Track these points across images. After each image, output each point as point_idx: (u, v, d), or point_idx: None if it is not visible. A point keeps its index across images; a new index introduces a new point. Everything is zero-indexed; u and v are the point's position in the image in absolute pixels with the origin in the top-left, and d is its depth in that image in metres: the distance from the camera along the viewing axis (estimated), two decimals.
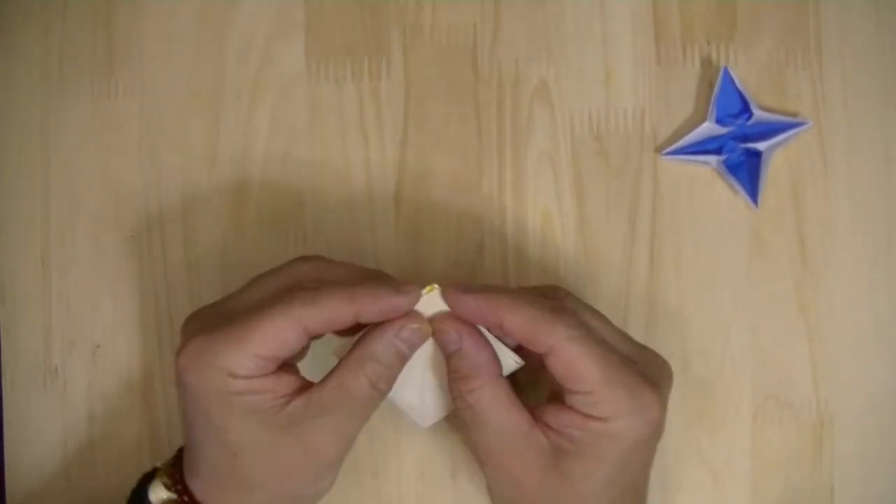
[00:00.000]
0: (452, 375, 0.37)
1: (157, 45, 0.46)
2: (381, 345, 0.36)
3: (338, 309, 0.35)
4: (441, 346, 0.37)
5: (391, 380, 0.37)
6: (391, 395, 0.38)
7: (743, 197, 0.44)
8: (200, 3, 0.46)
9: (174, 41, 0.46)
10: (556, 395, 0.37)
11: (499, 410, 0.36)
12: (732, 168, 0.44)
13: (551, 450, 0.36)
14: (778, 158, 0.45)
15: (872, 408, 0.45)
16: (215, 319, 0.36)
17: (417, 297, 0.37)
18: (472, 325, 0.37)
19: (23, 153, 0.45)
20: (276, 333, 0.35)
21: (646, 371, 0.37)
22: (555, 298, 0.38)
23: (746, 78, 0.45)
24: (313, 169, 0.45)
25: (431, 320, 0.37)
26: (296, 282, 0.37)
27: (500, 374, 0.37)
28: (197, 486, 0.38)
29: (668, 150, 0.44)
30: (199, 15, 0.46)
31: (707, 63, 0.45)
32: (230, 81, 0.45)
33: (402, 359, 0.37)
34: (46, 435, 0.45)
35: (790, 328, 0.45)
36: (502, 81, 0.45)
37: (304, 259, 0.38)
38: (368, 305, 0.35)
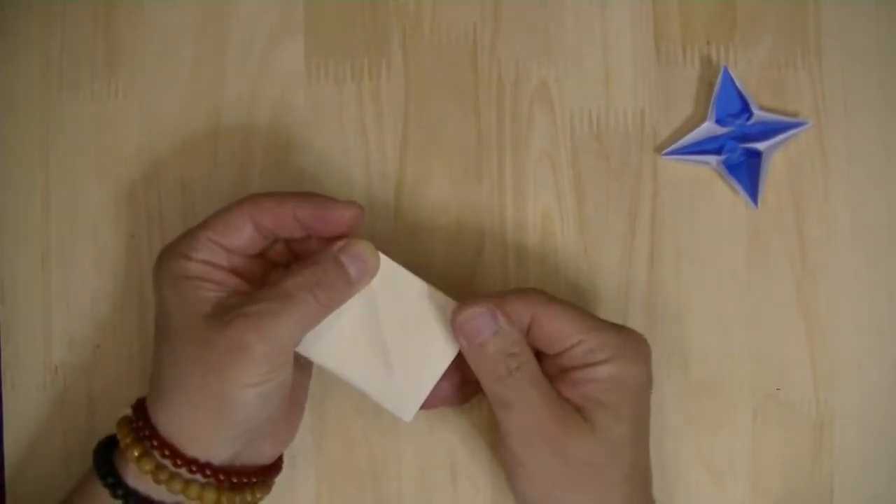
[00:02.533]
0: (492, 361, 0.38)
1: (157, 45, 0.46)
2: (325, 256, 0.38)
3: (281, 205, 0.38)
4: (472, 331, 0.38)
5: (332, 299, 0.38)
6: (365, 387, 0.38)
7: (743, 197, 0.44)
8: (200, 3, 0.46)
9: (174, 41, 0.46)
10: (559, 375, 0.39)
11: (541, 381, 0.38)
12: (732, 168, 0.44)
13: (581, 413, 0.38)
14: (778, 158, 0.45)
15: (872, 408, 0.45)
16: None
17: (358, 212, 0.38)
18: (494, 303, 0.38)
19: (23, 153, 0.45)
20: (227, 220, 0.38)
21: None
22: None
23: (746, 78, 0.45)
24: (313, 169, 0.45)
25: (455, 313, 0.38)
26: None
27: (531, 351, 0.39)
28: (152, 413, 0.38)
29: (668, 150, 0.44)
30: (199, 15, 0.46)
31: (707, 63, 0.45)
32: (230, 81, 0.45)
33: (347, 280, 0.38)
34: (46, 435, 0.45)
35: (790, 328, 0.45)
36: (502, 81, 0.45)
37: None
38: (308, 206, 0.38)
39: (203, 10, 0.46)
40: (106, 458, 0.39)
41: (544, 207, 0.45)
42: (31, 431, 0.45)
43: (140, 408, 0.39)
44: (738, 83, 0.43)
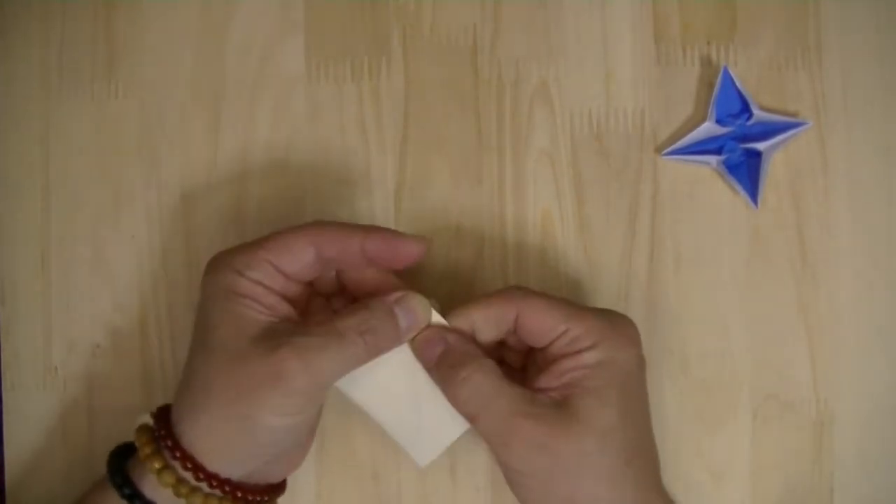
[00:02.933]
0: (444, 377, 0.38)
1: (157, 45, 0.46)
2: (381, 304, 0.38)
3: (349, 236, 0.38)
4: (426, 353, 0.39)
5: (380, 346, 0.38)
6: (390, 428, 0.39)
7: (743, 197, 0.44)
8: (200, 3, 0.46)
9: (174, 41, 0.46)
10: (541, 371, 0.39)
11: (499, 385, 0.38)
12: (732, 168, 0.44)
13: (561, 404, 0.38)
14: (778, 158, 0.45)
15: (872, 408, 0.45)
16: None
17: (425, 247, 0.39)
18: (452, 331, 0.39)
19: (23, 153, 0.45)
20: (287, 244, 0.38)
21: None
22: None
23: (746, 78, 0.45)
24: (313, 169, 0.45)
25: (411, 341, 0.39)
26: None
27: (487, 359, 0.39)
28: (176, 423, 0.38)
29: (668, 150, 0.44)
30: (199, 15, 0.46)
31: (707, 63, 0.45)
32: (230, 81, 0.45)
33: (396, 331, 0.38)
34: (46, 435, 0.45)
35: (790, 328, 0.45)
36: (502, 81, 0.45)
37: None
38: (379, 240, 0.38)
39: (203, 10, 0.46)
40: (120, 468, 0.38)
41: (544, 207, 0.45)
42: (31, 431, 0.45)
43: (163, 417, 0.39)
44: (738, 83, 0.43)
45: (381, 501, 0.45)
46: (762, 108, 0.44)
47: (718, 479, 0.44)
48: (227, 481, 0.37)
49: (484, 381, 0.38)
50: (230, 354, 0.37)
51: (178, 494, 0.37)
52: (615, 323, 0.39)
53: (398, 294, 0.39)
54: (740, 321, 0.45)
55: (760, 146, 0.44)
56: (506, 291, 0.39)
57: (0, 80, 0.46)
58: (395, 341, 0.39)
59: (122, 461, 0.39)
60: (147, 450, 0.38)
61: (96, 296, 0.45)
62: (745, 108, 0.44)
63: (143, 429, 0.39)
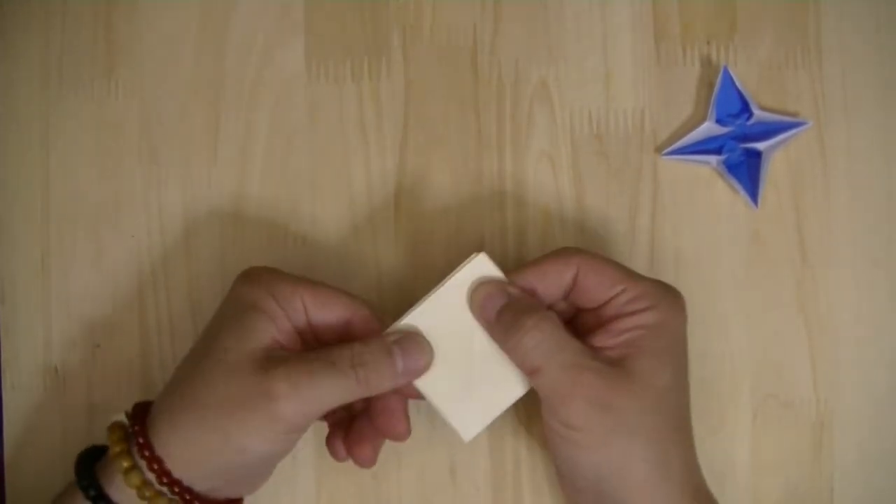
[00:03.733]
0: (508, 326, 0.38)
1: (157, 45, 0.46)
2: (377, 340, 0.38)
3: (376, 327, 0.40)
4: (487, 306, 0.39)
5: (371, 382, 0.38)
6: (436, 401, 0.39)
7: (743, 197, 0.44)
8: (200, 3, 0.46)
9: (174, 41, 0.46)
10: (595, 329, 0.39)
11: (564, 337, 0.38)
12: (732, 168, 0.44)
13: (618, 362, 0.38)
14: (778, 158, 0.45)
15: (872, 408, 0.45)
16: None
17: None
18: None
19: (23, 153, 0.45)
20: (327, 300, 0.39)
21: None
22: None
23: (746, 78, 0.45)
24: (313, 169, 0.45)
25: (471, 295, 0.39)
26: None
27: (551, 311, 0.39)
28: (153, 423, 0.38)
29: (668, 150, 0.44)
30: (199, 15, 0.46)
31: (707, 63, 0.45)
32: (230, 81, 0.45)
33: (392, 371, 0.38)
34: (46, 435, 0.45)
35: (790, 328, 0.45)
36: (502, 81, 0.45)
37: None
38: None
39: (203, 10, 0.46)
40: (89, 469, 0.38)
41: (544, 207, 0.45)
42: (31, 431, 0.45)
43: (139, 415, 0.39)
44: (738, 83, 0.43)
45: (381, 501, 0.45)
46: (762, 108, 0.44)
47: (718, 479, 0.44)
48: (189, 490, 0.37)
49: (551, 330, 0.38)
50: (227, 365, 0.37)
51: (141, 497, 0.37)
52: (668, 289, 0.39)
53: (398, 336, 0.39)
54: (740, 321, 0.45)
55: (760, 146, 0.44)
56: (563, 251, 0.40)
57: (0, 80, 0.46)
58: (391, 380, 0.38)
59: (91, 462, 0.39)
60: (117, 448, 0.38)
61: (96, 296, 0.45)
62: (745, 108, 0.44)
63: (116, 426, 0.39)
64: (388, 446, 0.44)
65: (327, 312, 0.39)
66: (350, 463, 0.44)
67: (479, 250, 0.45)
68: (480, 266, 0.39)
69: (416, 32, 0.45)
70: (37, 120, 0.45)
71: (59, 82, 0.46)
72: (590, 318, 0.40)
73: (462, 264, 0.40)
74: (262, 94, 0.45)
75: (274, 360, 0.37)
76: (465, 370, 0.39)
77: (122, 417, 0.39)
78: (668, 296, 0.39)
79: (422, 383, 0.39)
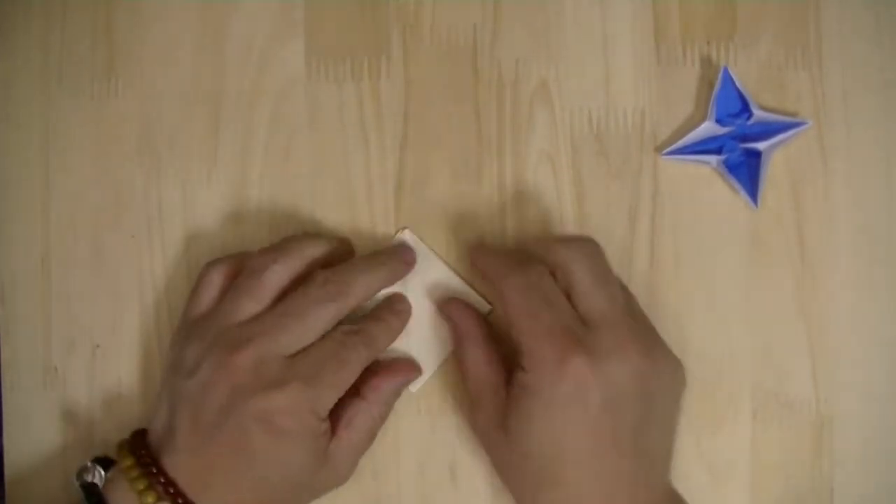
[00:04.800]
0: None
1: (157, 45, 0.46)
2: (394, 393, 0.43)
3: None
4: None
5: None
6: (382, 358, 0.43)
7: (743, 197, 0.44)
8: (200, 3, 0.46)
9: (174, 41, 0.46)
10: None
11: (480, 365, 0.41)
12: (732, 168, 0.44)
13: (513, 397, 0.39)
14: (778, 158, 0.45)
15: (872, 408, 0.45)
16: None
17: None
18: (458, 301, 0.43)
19: (23, 153, 0.45)
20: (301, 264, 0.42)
21: (598, 339, 0.37)
22: (567, 248, 0.40)
23: (746, 78, 0.45)
24: (313, 169, 0.45)
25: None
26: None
27: (484, 337, 0.42)
28: (173, 462, 0.38)
29: (668, 150, 0.44)
30: (199, 15, 0.46)
31: (707, 63, 0.45)
32: (230, 81, 0.45)
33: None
34: (46, 435, 0.45)
35: (790, 328, 0.45)
36: (502, 81, 0.45)
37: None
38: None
39: (203, 10, 0.46)
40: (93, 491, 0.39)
41: (544, 207, 0.45)
42: (31, 431, 0.45)
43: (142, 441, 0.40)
44: (738, 83, 0.43)
45: (381, 501, 0.45)
46: (762, 108, 0.44)
47: (718, 479, 0.44)
48: None
49: (471, 358, 0.42)
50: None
51: None
52: (562, 359, 0.38)
53: (407, 377, 0.44)
54: (740, 321, 0.45)
55: (760, 146, 0.44)
56: (508, 269, 0.40)
57: (0, 80, 0.46)
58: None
59: (93, 483, 0.39)
60: (140, 485, 0.38)
61: (96, 296, 0.45)
62: (745, 108, 0.44)
63: (125, 445, 0.40)
64: (388, 446, 0.44)
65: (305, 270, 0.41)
66: None
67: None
68: (406, 241, 0.45)
69: (416, 32, 0.45)
70: (37, 120, 0.45)
71: (59, 82, 0.46)
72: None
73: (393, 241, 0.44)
74: (262, 94, 0.45)
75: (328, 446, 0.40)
76: (404, 333, 0.44)
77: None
78: (553, 368, 0.37)
79: None
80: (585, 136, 0.45)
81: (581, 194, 0.45)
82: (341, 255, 0.43)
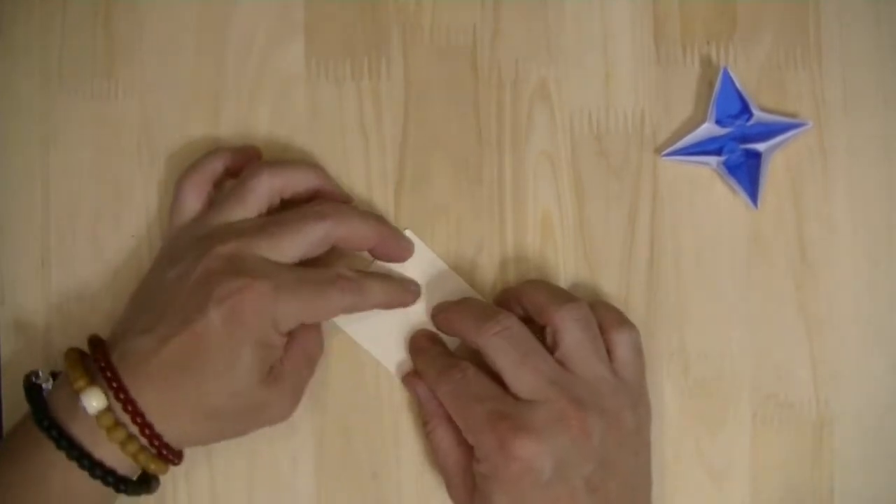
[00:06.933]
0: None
1: (157, 45, 0.46)
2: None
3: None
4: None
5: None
6: (367, 345, 0.44)
7: (743, 197, 0.44)
8: (200, 3, 0.46)
9: (174, 41, 0.46)
10: None
11: (448, 446, 0.42)
12: (732, 168, 0.44)
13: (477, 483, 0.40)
14: (778, 159, 0.45)
15: (872, 408, 0.45)
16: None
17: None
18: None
19: (23, 153, 0.45)
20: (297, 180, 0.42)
21: (533, 414, 0.38)
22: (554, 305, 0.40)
23: (746, 78, 0.45)
24: None
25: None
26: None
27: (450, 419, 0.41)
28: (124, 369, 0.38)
29: (668, 150, 0.44)
30: (199, 15, 0.46)
31: (707, 63, 0.45)
32: (230, 81, 0.45)
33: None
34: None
35: (790, 328, 0.45)
36: (502, 81, 0.45)
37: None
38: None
39: (203, 10, 0.46)
40: (43, 407, 0.39)
41: (544, 207, 0.45)
42: None
43: (102, 349, 0.39)
44: (737, 84, 0.43)
45: (381, 501, 0.45)
46: (762, 109, 0.44)
47: (718, 479, 0.44)
48: (159, 437, 0.38)
49: (440, 439, 0.43)
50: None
51: (112, 439, 0.37)
52: (507, 447, 0.38)
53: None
54: (740, 321, 0.45)
55: (760, 147, 0.44)
56: (477, 328, 0.41)
57: (0, 80, 0.46)
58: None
59: (43, 399, 0.39)
60: (83, 384, 0.38)
61: (96, 296, 0.45)
62: (745, 109, 0.44)
63: (75, 355, 0.40)
64: (387, 447, 0.44)
65: (296, 191, 0.42)
66: (350, 463, 0.44)
67: (478, 250, 0.45)
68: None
69: (416, 32, 0.45)
70: (37, 120, 0.45)
71: (59, 82, 0.46)
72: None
73: None
74: (262, 94, 0.45)
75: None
76: (385, 317, 0.44)
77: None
78: (496, 453, 0.38)
79: (351, 329, 0.44)
80: (585, 136, 0.45)
81: (581, 194, 0.45)
82: (327, 181, 0.44)
